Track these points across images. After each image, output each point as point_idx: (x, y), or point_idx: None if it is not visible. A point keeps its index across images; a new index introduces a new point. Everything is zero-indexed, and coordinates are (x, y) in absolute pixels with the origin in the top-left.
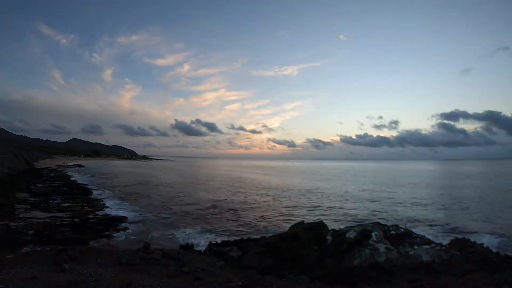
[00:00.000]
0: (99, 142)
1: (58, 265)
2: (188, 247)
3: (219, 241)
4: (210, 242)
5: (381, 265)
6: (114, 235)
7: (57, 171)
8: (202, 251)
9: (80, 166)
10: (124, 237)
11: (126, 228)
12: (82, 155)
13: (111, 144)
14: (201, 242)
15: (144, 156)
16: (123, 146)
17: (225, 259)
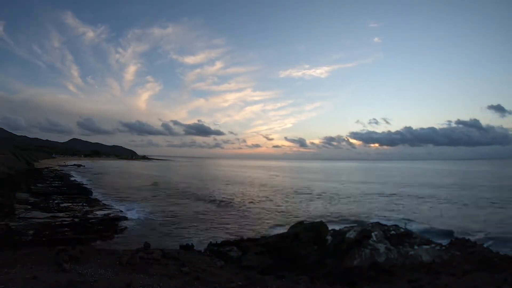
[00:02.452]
0: (99, 142)
1: (58, 265)
2: (188, 247)
3: (219, 241)
4: (210, 242)
5: (381, 265)
6: (114, 235)
7: (57, 171)
8: (202, 251)
9: (80, 166)
10: (124, 237)
11: (126, 228)
12: (82, 155)
13: (111, 144)
14: (201, 242)
15: (144, 156)
16: (123, 146)
17: (225, 259)
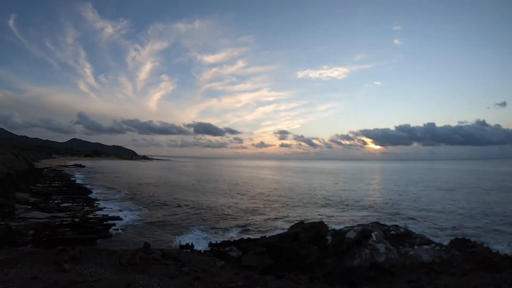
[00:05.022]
0: (99, 142)
1: (58, 265)
2: (188, 247)
3: (219, 241)
4: (210, 242)
5: (381, 265)
6: (114, 235)
7: (57, 171)
8: (202, 251)
9: (80, 166)
10: (124, 237)
11: (126, 228)
12: (82, 155)
13: (111, 144)
14: (201, 242)
15: (144, 156)
16: (123, 146)
17: (225, 259)
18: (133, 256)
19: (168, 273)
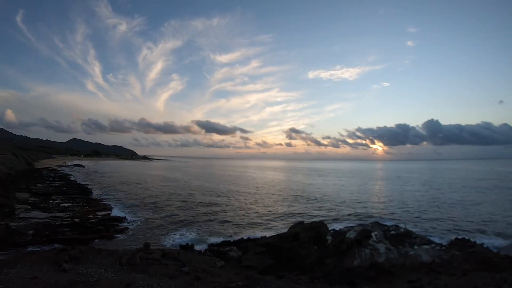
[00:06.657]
0: (99, 142)
1: (58, 265)
2: (188, 247)
3: (219, 241)
4: (210, 242)
5: (381, 265)
6: (114, 235)
7: (57, 171)
8: (202, 251)
9: (80, 166)
10: (124, 237)
11: (126, 228)
12: (82, 155)
13: (111, 144)
14: (201, 242)
15: (144, 156)
16: (123, 146)
17: (225, 259)
18: (133, 256)
19: (168, 273)
